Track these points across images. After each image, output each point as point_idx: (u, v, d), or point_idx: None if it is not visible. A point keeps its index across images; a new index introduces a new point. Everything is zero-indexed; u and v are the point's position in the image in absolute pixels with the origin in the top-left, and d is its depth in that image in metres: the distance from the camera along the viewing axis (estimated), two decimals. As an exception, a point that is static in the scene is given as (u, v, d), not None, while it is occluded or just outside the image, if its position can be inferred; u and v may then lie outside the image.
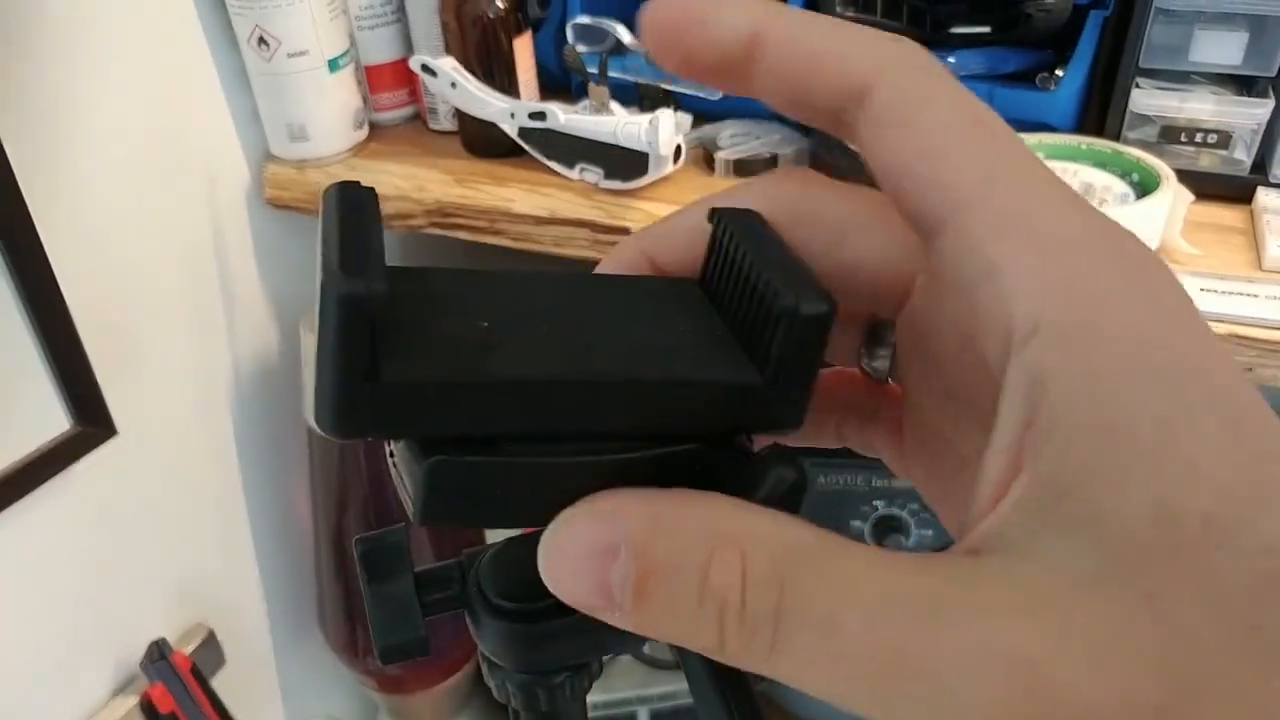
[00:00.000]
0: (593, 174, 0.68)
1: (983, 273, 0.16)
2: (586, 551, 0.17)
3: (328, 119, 0.74)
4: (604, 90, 0.68)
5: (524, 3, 0.72)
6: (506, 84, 0.72)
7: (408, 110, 0.81)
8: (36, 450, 0.64)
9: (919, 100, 0.18)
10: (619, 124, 0.64)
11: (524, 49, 0.72)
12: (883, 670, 0.15)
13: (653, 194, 0.67)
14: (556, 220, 0.68)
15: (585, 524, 0.18)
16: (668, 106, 0.67)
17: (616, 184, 0.67)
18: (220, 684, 0.82)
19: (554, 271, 0.21)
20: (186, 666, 0.77)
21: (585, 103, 0.69)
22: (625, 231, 0.66)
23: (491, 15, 0.69)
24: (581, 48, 0.70)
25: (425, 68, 0.68)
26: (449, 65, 0.68)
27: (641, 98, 0.72)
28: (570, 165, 0.69)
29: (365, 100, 0.79)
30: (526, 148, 0.71)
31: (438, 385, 0.17)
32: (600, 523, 0.18)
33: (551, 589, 0.18)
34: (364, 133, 0.78)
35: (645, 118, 0.64)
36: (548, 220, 0.68)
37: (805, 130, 0.71)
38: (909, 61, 0.18)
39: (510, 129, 0.70)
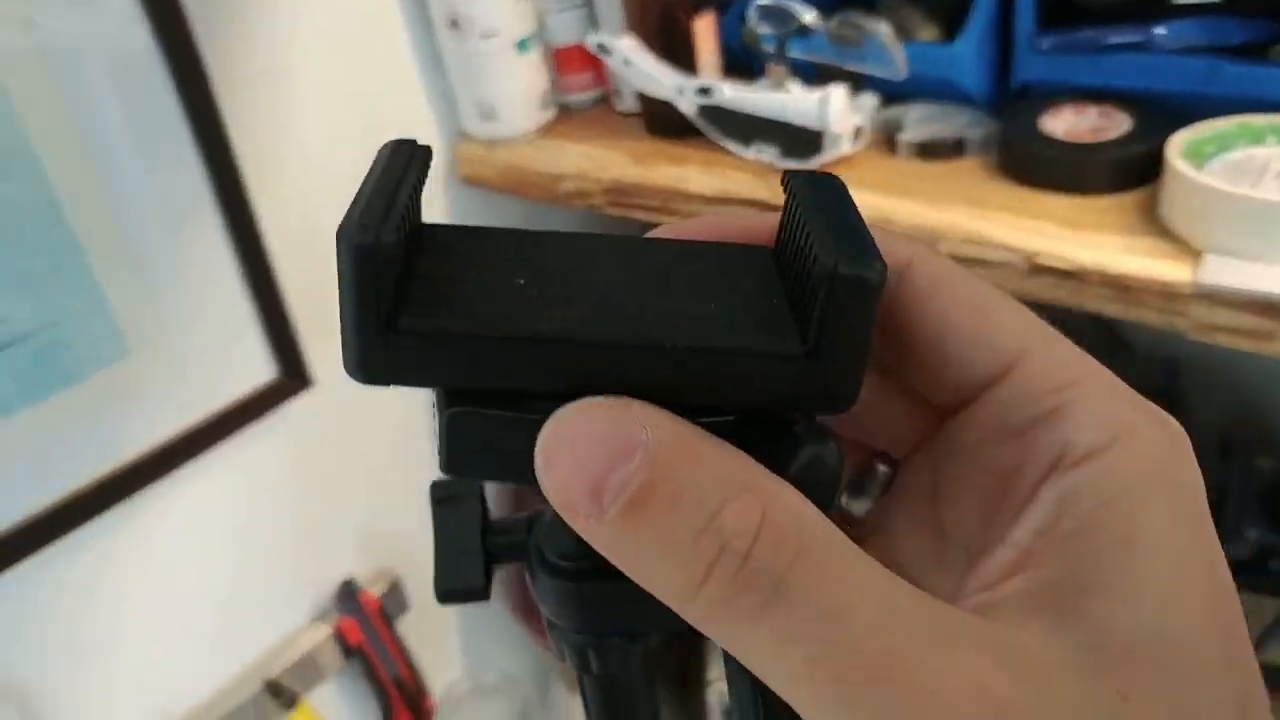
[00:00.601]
0: (768, 153, 0.67)
1: (1044, 414, 0.18)
2: (598, 440, 0.16)
3: (516, 99, 0.77)
4: (782, 69, 0.67)
5: (706, -19, 0.72)
6: (686, 64, 0.72)
7: (595, 93, 0.83)
8: (246, 394, 0.71)
9: (954, 274, 0.20)
10: (790, 100, 0.63)
11: (705, 29, 0.72)
12: (869, 671, 0.15)
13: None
14: (729, 199, 0.68)
15: (606, 413, 0.17)
16: (848, 86, 0.66)
17: (792, 163, 0.66)
18: (403, 628, 0.87)
19: (621, 235, 0.21)
20: (374, 607, 0.83)
21: (762, 81, 0.68)
22: (793, 212, 0.65)
23: (670, -6, 0.70)
24: (764, 29, 0.69)
25: (601, 46, 0.69)
26: (624, 44, 0.69)
27: (823, 78, 0.71)
28: (746, 144, 0.68)
29: (553, 82, 0.82)
30: (701, 126, 0.71)
31: (454, 336, 0.17)
32: (625, 419, 0.17)
33: (538, 470, 0.17)
34: (551, 113, 0.81)
35: (817, 94, 0.63)
36: (720, 199, 0.68)
37: (995, 112, 0.67)
38: (934, 250, 0.21)
39: (687, 107, 0.71)
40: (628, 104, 0.80)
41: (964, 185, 0.63)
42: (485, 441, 0.18)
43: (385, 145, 0.19)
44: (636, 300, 0.19)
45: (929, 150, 0.67)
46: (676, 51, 0.72)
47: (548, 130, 0.80)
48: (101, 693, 0.71)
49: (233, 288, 0.68)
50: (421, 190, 0.19)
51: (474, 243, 0.20)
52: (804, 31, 0.68)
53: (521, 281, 0.19)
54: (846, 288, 0.17)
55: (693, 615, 0.16)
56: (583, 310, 0.18)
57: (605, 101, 0.83)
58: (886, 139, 0.69)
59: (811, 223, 0.18)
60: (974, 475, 0.20)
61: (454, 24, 0.75)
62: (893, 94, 0.70)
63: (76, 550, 0.65)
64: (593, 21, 0.80)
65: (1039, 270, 0.55)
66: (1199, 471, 0.18)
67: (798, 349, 0.18)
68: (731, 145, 0.69)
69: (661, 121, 0.75)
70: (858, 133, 0.66)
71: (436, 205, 0.83)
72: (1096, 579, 0.17)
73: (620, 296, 0.19)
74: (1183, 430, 0.19)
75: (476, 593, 0.22)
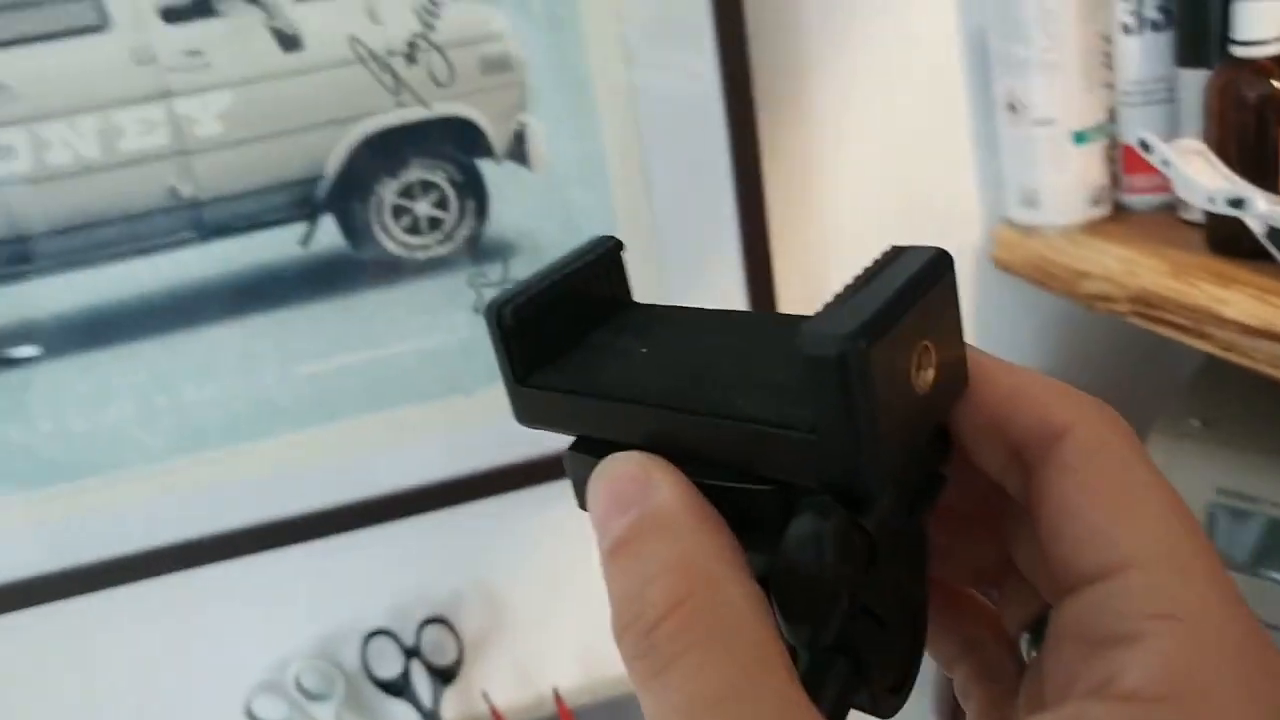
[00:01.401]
0: (1334, 287, 0.56)
1: (1125, 635, 0.18)
2: (613, 490, 0.20)
3: (1062, 190, 0.74)
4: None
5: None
6: (1265, 176, 0.63)
7: (1161, 197, 0.76)
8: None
9: (1112, 451, 0.20)
10: None
11: (1297, 138, 0.62)
12: None
13: None
14: (1269, 334, 0.58)
15: (625, 469, 0.20)
16: None
17: (1359, 303, 0.54)
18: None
19: (741, 310, 0.23)
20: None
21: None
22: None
23: (1254, 97, 0.61)
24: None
25: (1143, 143, 0.64)
26: (1182, 144, 0.63)
27: None
28: (1310, 274, 0.58)
29: (1116, 179, 0.77)
30: (1271, 249, 0.61)
31: (562, 390, 0.22)
32: (636, 479, 0.20)
33: (587, 501, 0.21)
34: (1103, 210, 0.76)
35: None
36: (1259, 332, 0.59)
37: None
38: (1107, 415, 0.21)
39: (1253, 224, 0.62)
40: (1195, 214, 0.72)
41: None
42: (582, 480, 0.22)
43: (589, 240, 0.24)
44: (718, 370, 0.21)
45: None
46: (1259, 161, 0.64)
47: (1093, 227, 0.75)
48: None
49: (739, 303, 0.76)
50: (610, 273, 0.24)
51: (647, 317, 0.24)
52: None
53: (644, 350, 0.23)
54: (811, 366, 0.17)
55: (621, 654, 0.19)
56: (667, 377, 0.22)
57: (1172, 209, 0.76)
58: None
59: (845, 290, 0.19)
60: (1053, 657, 0.20)
61: (1011, 108, 0.74)
62: None
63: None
64: (1174, 119, 0.73)
65: None
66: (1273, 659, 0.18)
67: (803, 425, 0.18)
68: (1295, 272, 0.59)
69: (1225, 237, 0.66)
70: None
71: (965, 285, 0.83)
72: None
73: (707, 367, 0.22)
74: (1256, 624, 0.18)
75: None
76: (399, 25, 0.64)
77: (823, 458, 0.18)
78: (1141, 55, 0.73)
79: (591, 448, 0.22)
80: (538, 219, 0.70)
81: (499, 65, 0.67)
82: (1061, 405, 0.21)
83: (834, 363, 0.17)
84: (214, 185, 0.64)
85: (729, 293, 0.74)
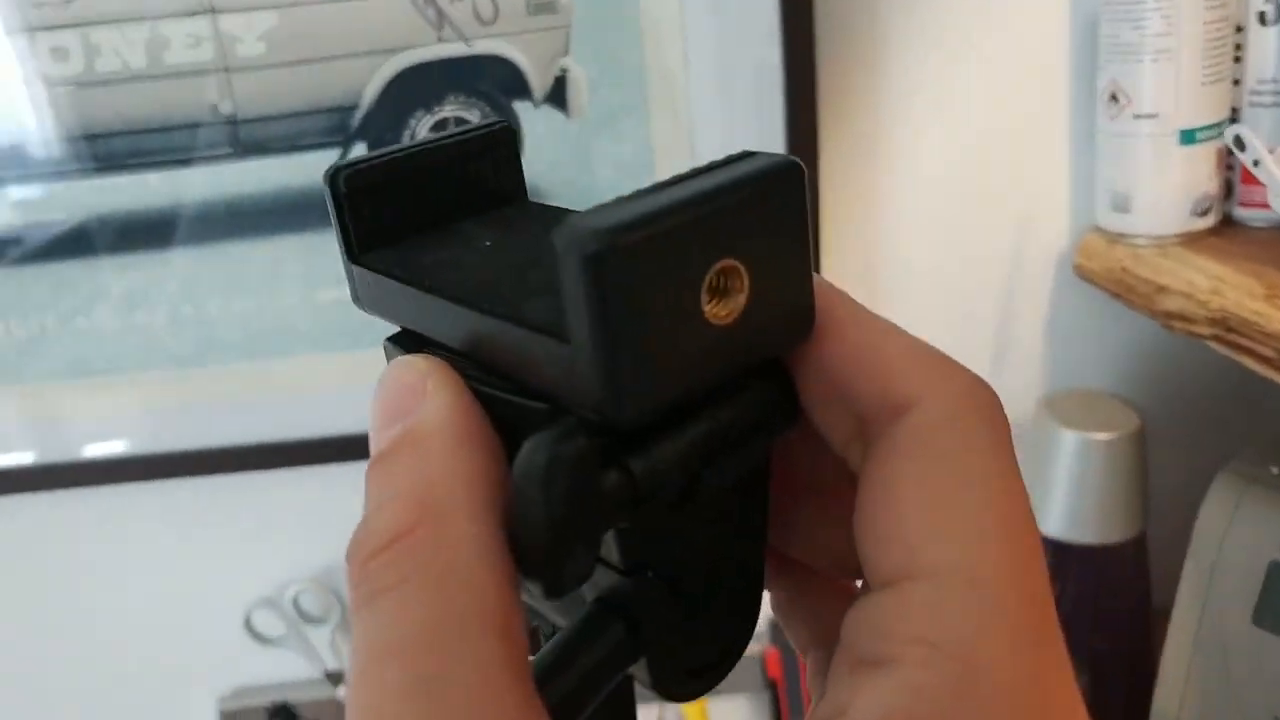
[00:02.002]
0: None
1: (877, 659, 0.16)
2: (389, 395, 0.18)
3: (1158, 195, 0.66)
4: None
5: None
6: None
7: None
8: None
9: (949, 438, 0.17)
10: None
11: None
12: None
13: None
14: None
15: (404, 374, 0.19)
16: None
17: None
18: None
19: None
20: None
21: None
22: None
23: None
24: None
25: (1238, 139, 0.55)
26: (1271, 147, 0.54)
27: None
28: None
29: (1231, 188, 0.67)
30: (1374, 275, 0.52)
31: (386, 276, 0.20)
32: (413, 388, 0.18)
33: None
34: (1207, 222, 0.66)
35: None
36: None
37: None
38: (966, 391, 0.18)
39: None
40: (1312, 233, 0.62)
41: None
42: None
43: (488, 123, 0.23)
44: (535, 269, 0.19)
45: None
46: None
47: (1192, 241, 0.66)
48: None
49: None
50: (497, 161, 0.22)
51: (520, 213, 0.23)
52: None
53: (487, 244, 0.21)
54: (561, 265, 0.15)
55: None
56: (485, 274, 0.19)
57: (1292, 227, 0.66)
58: None
59: (640, 189, 0.16)
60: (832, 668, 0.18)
61: (1113, 98, 0.66)
62: None
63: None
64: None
65: None
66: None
67: (564, 335, 0.16)
68: (1395, 304, 0.50)
69: (1332, 262, 0.57)
70: None
71: (1043, 292, 0.75)
72: None
73: (527, 266, 0.19)
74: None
75: None
76: (447, -41, 0.63)
77: (575, 375, 0.16)
78: (1278, 49, 0.63)
79: (407, 342, 0.21)
80: (571, 168, 0.68)
81: (546, 7, 0.65)
82: (912, 374, 0.18)
83: (578, 263, 0.15)
84: (252, 104, 0.65)
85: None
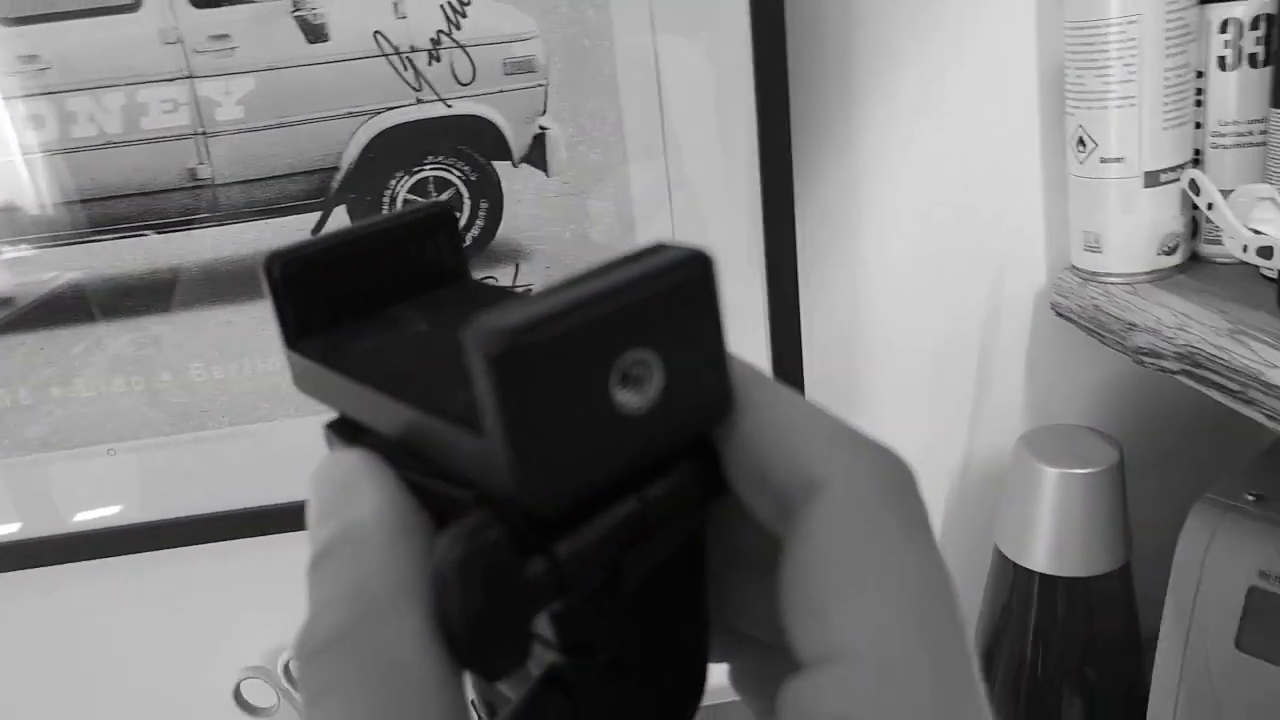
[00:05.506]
0: (1407, 362, 0.49)
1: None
2: (323, 494, 0.19)
3: (1127, 235, 0.67)
4: None
5: None
6: (1348, 229, 0.55)
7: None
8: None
9: (858, 519, 0.17)
10: None
11: (1388, 189, 0.54)
12: None
13: None
14: (1316, 404, 0.51)
15: (337, 471, 0.19)
16: None
17: None
18: None
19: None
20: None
21: None
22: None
23: (1337, 138, 0.54)
24: None
25: (1193, 184, 0.57)
26: (1239, 190, 0.56)
27: None
28: (1380, 344, 0.50)
29: (1196, 226, 0.69)
30: (1339, 311, 0.54)
31: (320, 364, 0.21)
32: (344, 487, 0.19)
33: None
34: (1174, 260, 0.68)
35: None
36: (1305, 401, 0.51)
37: None
38: (874, 469, 0.18)
39: (1329, 285, 0.54)
40: (1275, 271, 0.64)
41: None
42: None
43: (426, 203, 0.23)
44: (455, 360, 0.20)
45: None
46: (1344, 213, 0.56)
47: (1162, 278, 0.68)
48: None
49: (759, 341, 0.72)
50: (438, 241, 0.23)
51: (459, 294, 0.23)
52: None
53: (423, 329, 0.21)
54: (470, 362, 0.16)
55: None
56: (412, 362, 0.20)
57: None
58: None
59: (549, 286, 0.17)
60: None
61: (1080, 143, 0.68)
62: None
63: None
64: (1265, 165, 0.66)
65: None
66: None
67: (477, 426, 0.16)
68: (1364, 341, 0.52)
69: (1297, 295, 0.59)
70: None
71: (1020, 331, 0.77)
72: None
73: (454, 354, 0.20)
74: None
75: None
76: (424, 22, 0.64)
77: (489, 465, 0.16)
78: (1237, 93, 0.66)
79: (344, 429, 0.21)
80: (552, 225, 0.68)
81: (523, 67, 0.66)
82: (822, 454, 0.18)
83: (482, 361, 0.15)
84: (231, 168, 0.65)
85: (750, 322, 0.71)
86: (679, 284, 0.17)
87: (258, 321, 0.68)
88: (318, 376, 0.21)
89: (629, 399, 0.17)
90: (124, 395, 0.68)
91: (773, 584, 0.20)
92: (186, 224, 0.66)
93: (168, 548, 0.71)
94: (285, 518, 0.71)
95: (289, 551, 0.72)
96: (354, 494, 0.18)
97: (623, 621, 0.19)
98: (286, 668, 0.76)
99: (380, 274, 0.22)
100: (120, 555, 0.71)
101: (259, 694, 0.76)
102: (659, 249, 0.18)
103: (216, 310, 0.67)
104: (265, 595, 0.76)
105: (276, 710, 0.76)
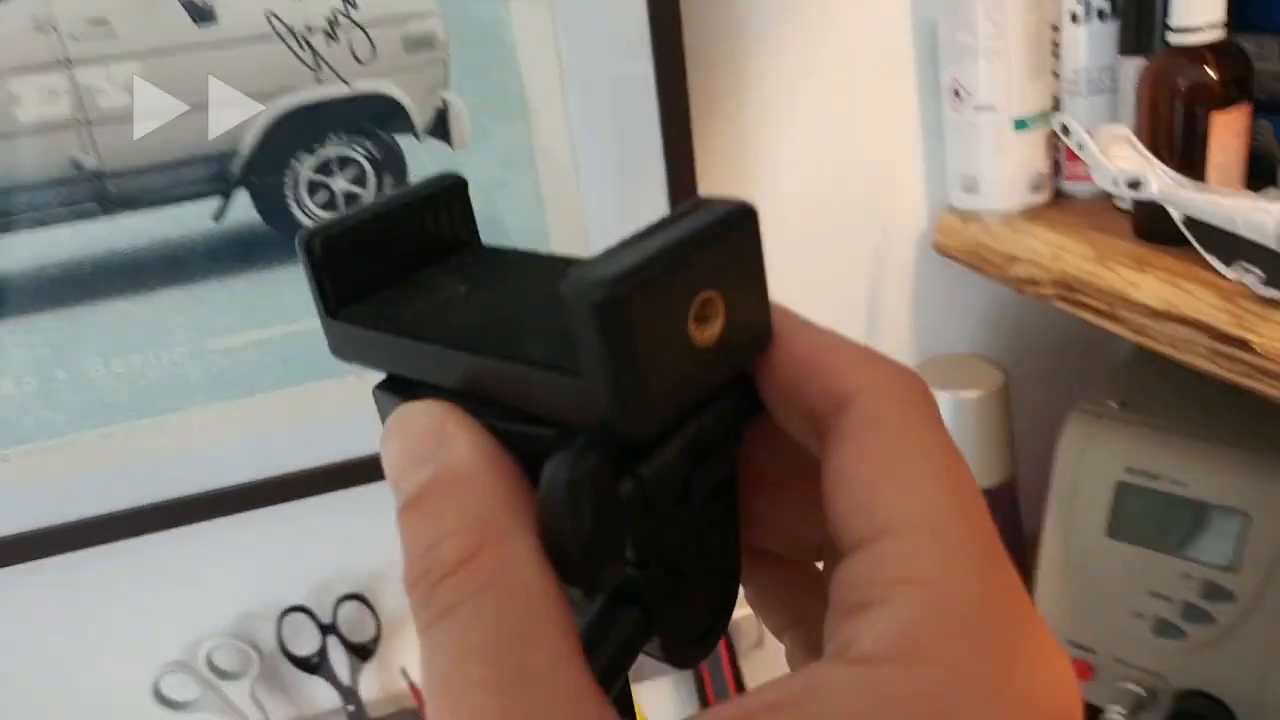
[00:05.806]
0: (1252, 276, 0.55)
1: (869, 601, 0.18)
2: (409, 442, 0.20)
3: (1001, 176, 0.73)
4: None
5: (1246, 75, 0.61)
6: (1193, 164, 0.62)
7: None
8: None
9: (890, 420, 0.20)
10: (1243, 207, 0.51)
11: (1225, 127, 0.61)
12: None
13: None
14: (1172, 316, 0.57)
15: (421, 419, 0.20)
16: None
17: (1275, 292, 0.53)
18: (749, 662, 0.88)
19: (572, 257, 0.23)
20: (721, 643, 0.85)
21: (1270, 191, 0.56)
22: (1245, 345, 0.52)
23: (1185, 85, 0.60)
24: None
25: (1064, 127, 0.62)
26: (1096, 130, 0.61)
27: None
28: (1228, 262, 0.57)
29: (1059, 167, 0.75)
30: (1189, 236, 0.60)
31: (369, 328, 0.22)
32: (432, 432, 0.20)
33: (381, 445, 0.21)
34: (1042, 197, 0.74)
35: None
36: (1163, 314, 0.58)
37: None
38: (900, 382, 0.20)
39: (1174, 214, 0.60)
40: (1128, 202, 0.71)
41: None
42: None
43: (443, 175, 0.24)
44: (518, 312, 0.21)
45: None
46: (1187, 149, 0.62)
47: (1032, 214, 0.74)
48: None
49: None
50: (452, 211, 0.24)
51: (483, 259, 0.24)
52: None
53: (463, 290, 0.23)
54: (570, 312, 0.17)
55: (410, 606, 0.19)
56: (470, 319, 0.21)
57: (1110, 197, 0.74)
58: None
59: (622, 241, 0.18)
60: (826, 628, 0.20)
61: (955, 94, 0.73)
62: None
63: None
64: (1116, 108, 0.72)
65: None
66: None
67: (572, 368, 0.18)
68: (1214, 261, 0.58)
69: (1149, 225, 0.65)
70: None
71: (907, 270, 0.82)
72: None
73: (510, 309, 0.21)
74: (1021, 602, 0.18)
75: None
76: (319, 2, 0.63)
77: (588, 402, 0.18)
78: (1088, 44, 0.71)
79: (399, 387, 0.22)
80: (460, 197, 0.69)
81: (423, 43, 0.65)
82: (852, 371, 0.20)
83: (588, 310, 0.17)
84: (119, 158, 0.62)
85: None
86: (736, 232, 0.20)
87: (155, 313, 0.66)
88: (364, 341, 0.22)
89: (701, 335, 0.19)
90: (15, 397, 0.65)
91: (791, 496, 0.23)
92: (72, 217, 0.63)
93: (68, 551, 0.69)
94: (199, 507, 0.70)
95: (202, 541, 0.71)
96: (446, 438, 0.19)
97: (685, 536, 0.22)
98: (209, 657, 0.75)
99: (404, 243, 0.23)
100: (18, 563, 0.68)
101: (179, 688, 0.75)
102: (707, 202, 0.20)
103: (111, 303, 0.65)
104: (178, 589, 0.75)
105: (198, 703, 0.75)
